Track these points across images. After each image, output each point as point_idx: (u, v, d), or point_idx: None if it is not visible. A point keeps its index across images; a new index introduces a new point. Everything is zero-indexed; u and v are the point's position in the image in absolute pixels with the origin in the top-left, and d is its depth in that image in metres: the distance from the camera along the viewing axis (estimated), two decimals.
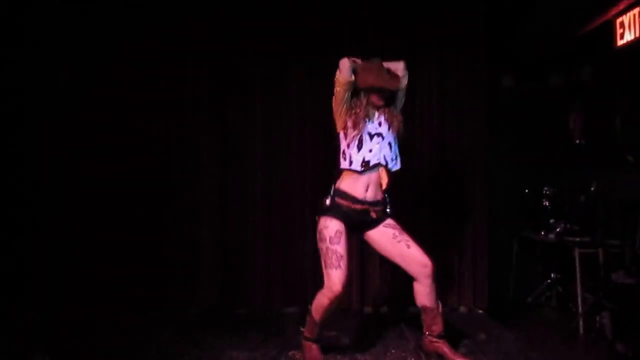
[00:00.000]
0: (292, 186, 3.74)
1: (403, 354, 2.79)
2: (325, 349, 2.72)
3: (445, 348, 2.59)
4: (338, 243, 2.51)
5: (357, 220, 2.60)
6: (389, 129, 2.63)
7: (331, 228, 2.53)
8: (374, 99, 2.58)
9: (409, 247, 2.58)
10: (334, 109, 2.59)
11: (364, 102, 2.57)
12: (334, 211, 2.57)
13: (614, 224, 3.20)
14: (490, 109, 3.78)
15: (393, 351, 2.84)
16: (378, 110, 2.63)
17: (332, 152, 3.69)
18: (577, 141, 3.72)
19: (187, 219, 3.72)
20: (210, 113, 3.74)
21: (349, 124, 2.57)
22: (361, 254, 3.65)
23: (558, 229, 3.46)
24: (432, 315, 2.60)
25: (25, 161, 3.66)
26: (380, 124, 2.63)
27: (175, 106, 3.71)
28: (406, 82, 2.62)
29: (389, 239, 2.61)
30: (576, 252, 3.23)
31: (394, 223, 2.66)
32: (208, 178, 3.74)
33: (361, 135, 2.57)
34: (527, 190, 3.80)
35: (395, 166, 2.66)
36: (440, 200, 3.72)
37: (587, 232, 3.33)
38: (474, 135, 3.73)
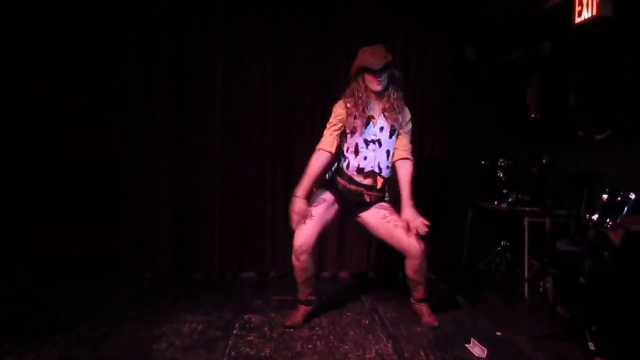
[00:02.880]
0: (252, 149, 3.68)
1: (358, 317, 2.86)
2: (280, 313, 2.77)
3: (423, 309, 2.78)
4: (316, 206, 2.66)
5: (352, 201, 2.71)
6: (390, 136, 2.66)
7: (318, 195, 2.69)
8: (369, 80, 2.58)
9: (396, 227, 2.65)
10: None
11: (362, 85, 2.61)
12: (329, 185, 2.71)
13: (562, 195, 3.33)
14: (452, 82, 3.81)
15: (349, 313, 2.91)
16: (379, 104, 2.62)
17: (293, 114, 3.70)
18: (533, 115, 3.83)
19: (141, 183, 3.62)
20: (165, 69, 3.60)
21: (348, 129, 2.64)
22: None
23: (510, 199, 3.59)
24: (415, 284, 2.77)
25: None
26: (382, 129, 2.64)
27: (129, 71, 3.56)
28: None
29: (378, 219, 2.70)
30: (525, 221, 3.37)
31: (388, 205, 2.73)
32: (164, 140, 3.62)
33: (357, 143, 2.63)
34: (483, 162, 3.89)
35: (388, 174, 2.72)
36: None
37: (537, 202, 3.47)
38: (436, 106, 3.78)
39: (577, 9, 3.13)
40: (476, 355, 2.34)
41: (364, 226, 2.80)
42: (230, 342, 2.47)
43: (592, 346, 2.27)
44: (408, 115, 2.74)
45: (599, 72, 3.21)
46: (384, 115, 2.64)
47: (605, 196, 2.57)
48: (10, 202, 3.49)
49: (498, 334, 2.59)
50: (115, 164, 3.59)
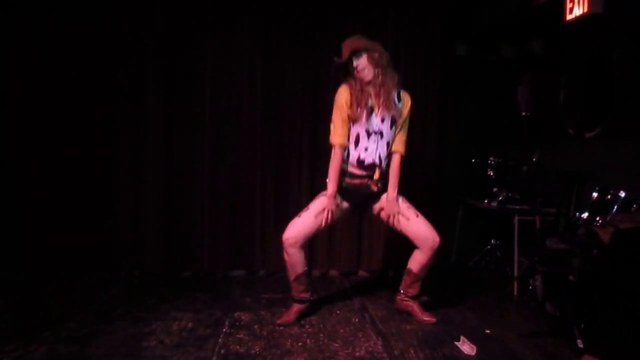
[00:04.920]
0: (242, 147, 3.65)
1: (348, 315, 2.85)
2: (270, 311, 2.76)
3: (415, 307, 2.77)
4: (314, 200, 2.69)
5: (358, 195, 2.69)
6: (391, 127, 2.64)
7: (322, 192, 2.69)
8: (356, 68, 2.58)
9: (409, 219, 2.66)
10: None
11: (354, 75, 2.60)
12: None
13: (552, 193, 3.35)
14: (444, 78, 3.81)
15: (338, 312, 2.90)
16: (374, 94, 2.60)
17: (282, 111, 3.68)
18: (524, 113, 3.84)
19: (131, 181, 3.58)
20: (156, 69, 3.56)
21: (351, 118, 2.61)
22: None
23: (500, 197, 3.60)
24: (413, 280, 2.75)
25: None
26: (383, 120, 2.62)
27: (118, 62, 3.52)
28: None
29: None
30: (515, 219, 3.38)
31: (402, 197, 2.72)
32: (153, 138, 3.59)
33: (358, 133, 2.60)
34: (473, 160, 3.90)
35: (386, 166, 2.71)
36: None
37: (527, 200, 3.48)
38: (426, 103, 3.77)
39: (569, 5, 3.13)
40: (465, 352, 2.34)
41: (378, 217, 2.78)
42: (220, 340, 2.45)
43: (580, 344, 2.28)
44: (408, 103, 2.69)
45: (589, 69, 3.23)
46: (381, 105, 2.61)
47: (595, 194, 2.59)
48: (1, 201, 3.44)
49: (487, 331, 2.60)
50: (104, 163, 3.55)
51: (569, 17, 3.13)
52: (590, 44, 3.22)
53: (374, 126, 2.61)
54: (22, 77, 3.44)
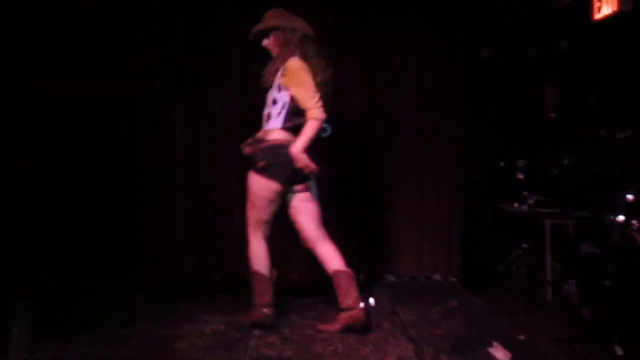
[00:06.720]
0: None
1: (378, 319, 2.83)
2: (300, 315, 2.77)
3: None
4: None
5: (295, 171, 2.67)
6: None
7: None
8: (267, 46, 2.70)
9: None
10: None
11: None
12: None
13: (584, 196, 3.28)
14: (468, 82, 3.78)
15: (368, 317, 2.88)
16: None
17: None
18: (552, 115, 3.78)
19: (161, 186, 3.64)
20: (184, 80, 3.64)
21: None
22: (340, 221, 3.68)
23: (531, 201, 3.54)
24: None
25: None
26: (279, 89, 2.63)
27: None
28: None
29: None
30: (547, 223, 3.31)
31: None
32: (182, 142, 3.65)
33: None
34: (502, 163, 3.85)
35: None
36: (416, 170, 3.74)
37: (559, 204, 3.42)
38: (451, 107, 3.74)
39: (597, 5, 3.08)
40: (499, 359, 2.30)
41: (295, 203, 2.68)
42: (251, 343, 2.47)
43: (619, 351, 2.22)
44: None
45: (620, 69, 3.16)
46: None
47: (630, 197, 2.53)
48: (36, 201, 3.53)
49: (521, 337, 2.55)
50: (135, 168, 3.62)
51: (597, 16, 3.08)
52: (620, 43, 3.15)
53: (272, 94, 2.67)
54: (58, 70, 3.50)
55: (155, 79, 3.61)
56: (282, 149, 2.54)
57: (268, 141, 2.59)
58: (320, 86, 2.59)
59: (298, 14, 2.75)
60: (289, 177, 2.58)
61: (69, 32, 3.51)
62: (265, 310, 2.64)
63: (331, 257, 2.63)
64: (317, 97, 2.53)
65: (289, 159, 2.53)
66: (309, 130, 2.51)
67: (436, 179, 3.75)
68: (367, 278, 3.72)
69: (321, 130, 2.57)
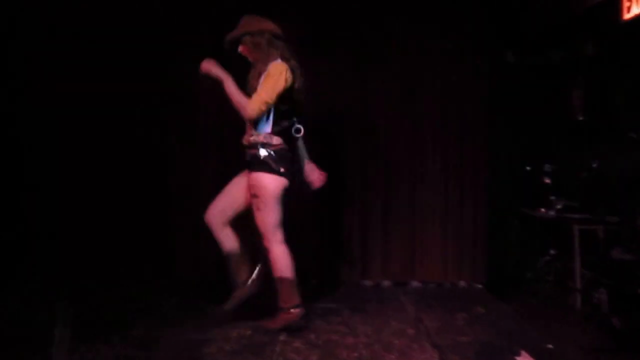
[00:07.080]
0: None
1: (402, 326, 2.84)
2: (325, 320, 2.79)
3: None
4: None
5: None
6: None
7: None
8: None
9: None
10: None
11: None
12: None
13: (614, 201, 3.21)
14: (492, 85, 3.76)
15: (393, 322, 2.90)
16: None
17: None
18: (579, 117, 3.71)
19: (192, 192, 3.70)
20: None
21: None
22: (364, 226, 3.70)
23: (558, 206, 3.48)
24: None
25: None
26: None
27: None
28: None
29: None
30: (575, 228, 3.25)
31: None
32: (210, 146, 3.73)
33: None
34: (528, 167, 3.80)
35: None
36: (440, 175, 3.73)
37: (587, 209, 3.35)
38: (475, 110, 3.71)
39: (626, 4, 3.02)
40: None
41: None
42: (277, 348, 2.51)
43: None
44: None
45: None
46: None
47: None
48: (74, 207, 3.65)
49: (549, 346, 2.51)
50: (167, 169, 3.71)
51: (626, 16, 3.02)
52: None
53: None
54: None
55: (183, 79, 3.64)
56: (287, 151, 2.72)
57: (275, 145, 2.69)
58: (297, 93, 2.70)
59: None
60: (292, 173, 2.76)
61: (107, 33, 3.59)
62: (295, 311, 2.71)
63: (281, 262, 2.77)
64: (266, 104, 2.63)
65: (290, 158, 2.74)
66: (241, 99, 2.64)
67: (461, 183, 3.73)
68: (392, 284, 3.74)
69: (295, 130, 2.73)
